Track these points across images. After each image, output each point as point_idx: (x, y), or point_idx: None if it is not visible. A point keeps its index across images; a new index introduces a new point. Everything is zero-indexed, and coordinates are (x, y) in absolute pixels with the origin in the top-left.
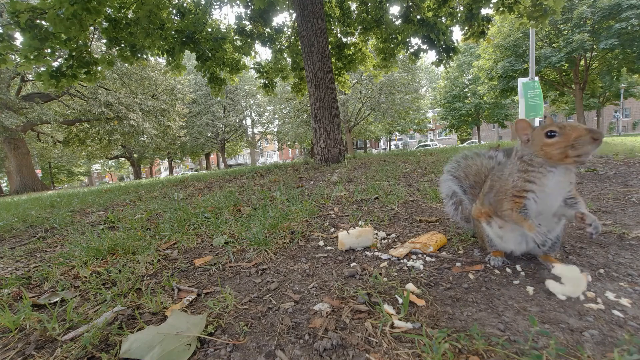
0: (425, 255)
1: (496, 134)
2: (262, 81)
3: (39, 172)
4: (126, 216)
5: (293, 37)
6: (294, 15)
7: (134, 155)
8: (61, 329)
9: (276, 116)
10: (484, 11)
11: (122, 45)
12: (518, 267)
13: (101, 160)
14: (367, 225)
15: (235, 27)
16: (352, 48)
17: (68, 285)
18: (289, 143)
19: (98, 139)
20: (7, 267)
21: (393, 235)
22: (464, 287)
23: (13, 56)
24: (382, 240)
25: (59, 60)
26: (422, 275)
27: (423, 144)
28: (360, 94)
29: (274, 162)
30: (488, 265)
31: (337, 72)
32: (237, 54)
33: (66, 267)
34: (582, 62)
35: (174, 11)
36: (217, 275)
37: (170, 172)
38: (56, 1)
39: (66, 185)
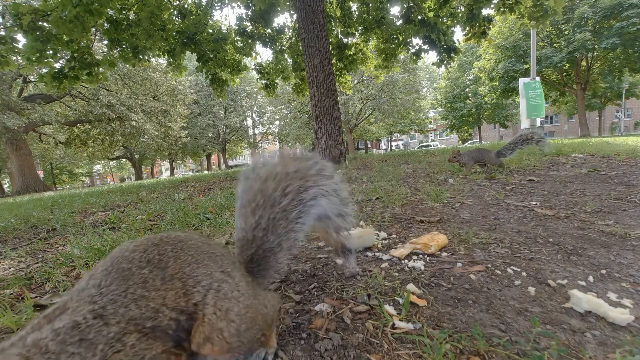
0: (426, 256)
1: (497, 134)
2: (263, 82)
3: (40, 173)
4: (127, 217)
5: (294, 38)
6: (295, 16)
7: (136, 156)
8: None
9: (277, 117)
10: (485, 11)
11: (124, 46)
12: (519, 268)
13: (103, 161)
14: (368, 225)
15: (236, 28)
16: (353, 48)
17: (70, 285)
18: (289, 144)
19: (99, 140)
20: (9, 268)
21: (394, 235)
22: (465, 288)
23: (15, 58)
24: (383, 241)
25: (60, 61)
26: (423, 275)
27: (424, 144)
28: (361, 94)
29: None
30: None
31: (338, 73)
32: (238, 55)
33: (68, 268)
34: (584, 63)
35: (175, 12)
36: None
37: (172, 172)
38: (59, 3)
39: (68, 186)
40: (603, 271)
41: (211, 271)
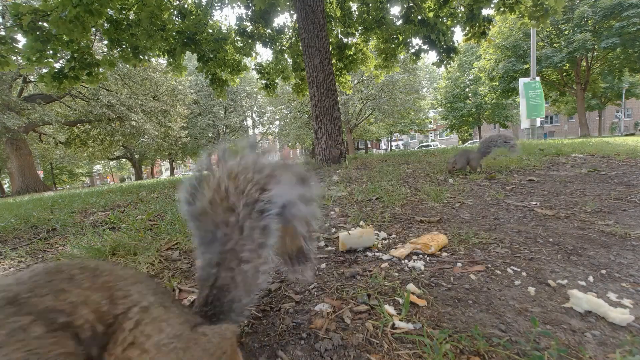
0: (426, 256)
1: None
2: (263, 82)
3: (40, 173)
4: (127, 217)
5: (294, 38)
6: (295, 16)
7: (136, 156)
8: None
9: (277, 117)
10: (485, 11)
11: (124, 46)
12: (519, 268)
13: (103, 161)
14: (368, 225)
15: (236, 28)
16: (353, 48)
17: None
18: (289, 144)
19: (99, 140)
20: (10, 268)
21: (394, 235)
22: (465, 288)
23: (15, 57)
24: (383, 241)
25: (60, 61)
26: (423, 275)
27: (424, 144)
28: (361, 94)
29: None
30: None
31: (338, 73)
32: (238, 55)
33: None
34: (584, 63)
35: (175, 12)
36: None
37: (172, 172)
38: (59, 3)
39: (68, 186)
40: (603, 271)
41: (145, 293)
